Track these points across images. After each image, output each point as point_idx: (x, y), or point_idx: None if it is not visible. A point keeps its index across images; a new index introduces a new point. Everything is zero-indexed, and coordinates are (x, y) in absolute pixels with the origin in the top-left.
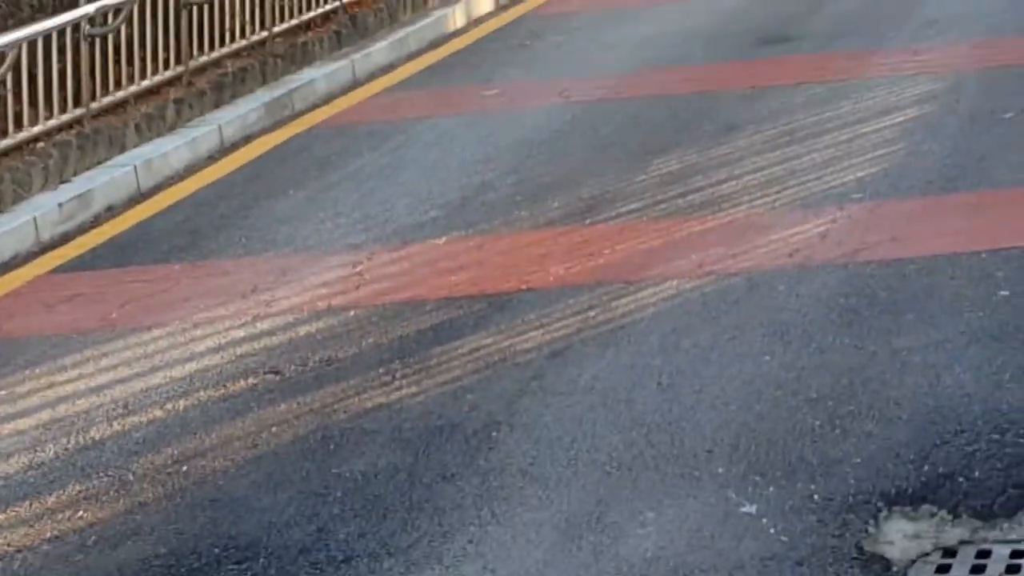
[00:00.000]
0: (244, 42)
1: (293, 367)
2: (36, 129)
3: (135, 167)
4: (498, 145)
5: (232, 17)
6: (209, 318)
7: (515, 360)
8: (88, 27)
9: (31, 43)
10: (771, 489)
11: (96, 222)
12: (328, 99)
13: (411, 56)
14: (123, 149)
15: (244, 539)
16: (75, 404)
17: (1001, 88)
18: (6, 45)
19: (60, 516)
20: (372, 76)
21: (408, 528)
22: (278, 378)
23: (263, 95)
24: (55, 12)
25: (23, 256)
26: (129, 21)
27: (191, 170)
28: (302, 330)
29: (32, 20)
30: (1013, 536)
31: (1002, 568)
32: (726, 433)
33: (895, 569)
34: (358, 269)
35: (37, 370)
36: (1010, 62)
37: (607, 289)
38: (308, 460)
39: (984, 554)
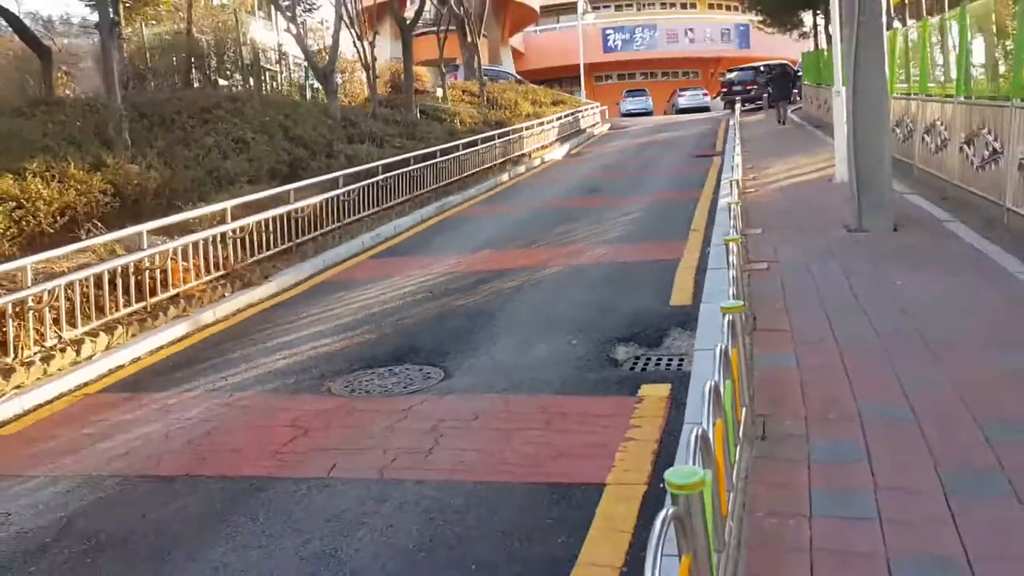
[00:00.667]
0: (427, 188)
1: (434, 291)
2: (361, 214)
3: (394, 226)
4: (508, 222)
5: (426, 178)
6: (411, 275)
7: (503, 290)
8: (383, 181)
9: (369, 185)
10: (581, 335)
11: (383, 244)
12: (458, 206)
13: (483, 193)
14: (391, 220)
15: (410, 345)
16: (359, 303)
17: (664, 208)
18: (365, 186)
19: (353, 339)
20: (471, 199)
21: (458, 342)
22: (431, 294)
23: (435, 204)
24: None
25: (360, 253)
26: (397, 178)
27: (414, 228)
28: (441, 279)
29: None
30: (661, 352)
31: (656, 360)
32: (572, 318)
33: (619, 361)
34: (460, 260)
35: (356, 291)
36: (671, 200)
37: (536, 269)
38: (434, 323)
39: (648, 358)
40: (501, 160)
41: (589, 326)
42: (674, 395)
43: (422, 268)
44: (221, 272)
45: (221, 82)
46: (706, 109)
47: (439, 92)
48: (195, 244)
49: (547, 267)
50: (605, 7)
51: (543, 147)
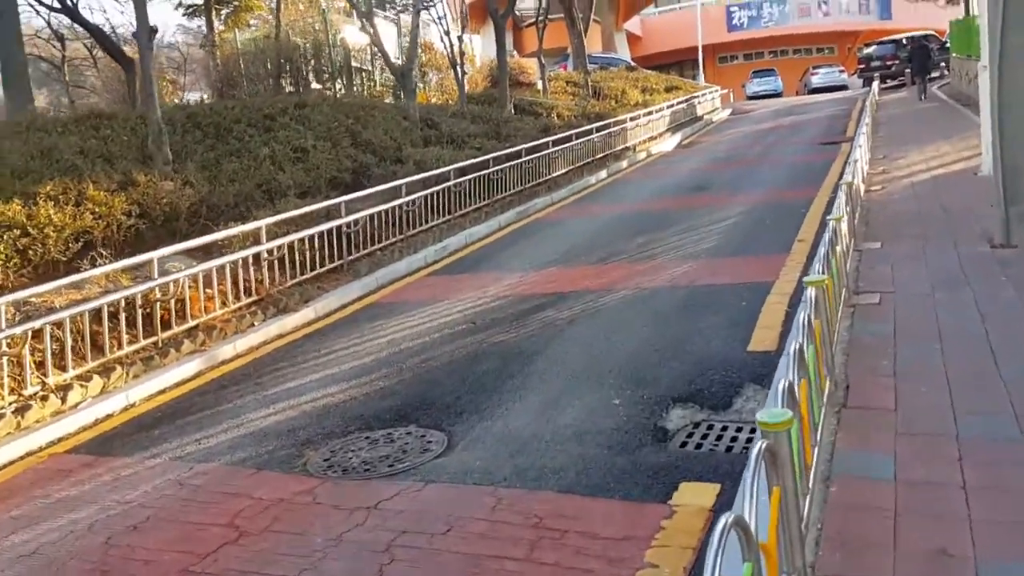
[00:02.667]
0: (511, 191)
1: (479, 321)
2: (429, 224)
3: (465, 235)
4: (589, 229)
5: (507, 180)
6: (463, 297)
7: (555, 322)
8: (455, 187)
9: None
10: (628, 392)
11: (449, 256)
12: (542, 210)
13: (574, 193)
14: (463, 229)
15: (424, 398)
16: (391, 335)
17: (770, 211)
18: (433, 193)
19: (364, 387)
20: (559, 201)
21: (480, 394)
22: (473, 325)
23: (517, 209)
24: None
25: (420, 269)
26: (472, 183)
27: (488, 237)
28: (492, 304)
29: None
30: (726, 419)
31: (719, 431)
32: (624, 365)
33: (669, 433)
34: (521, 280)
35: (396, 319)
36: (781, 200)
37: (600, 294)
38: (463, 365)
39: (711, 426)
40: (600, 155)
41: (643, 376)
42: (721, 502)
43: (477, 289)
44: (253, 298)
45: (315, 85)
46: (843, 88)
47: (540, 85)
48: (221, 268)
49: (614, 290)
50: None
51: (650, 139)
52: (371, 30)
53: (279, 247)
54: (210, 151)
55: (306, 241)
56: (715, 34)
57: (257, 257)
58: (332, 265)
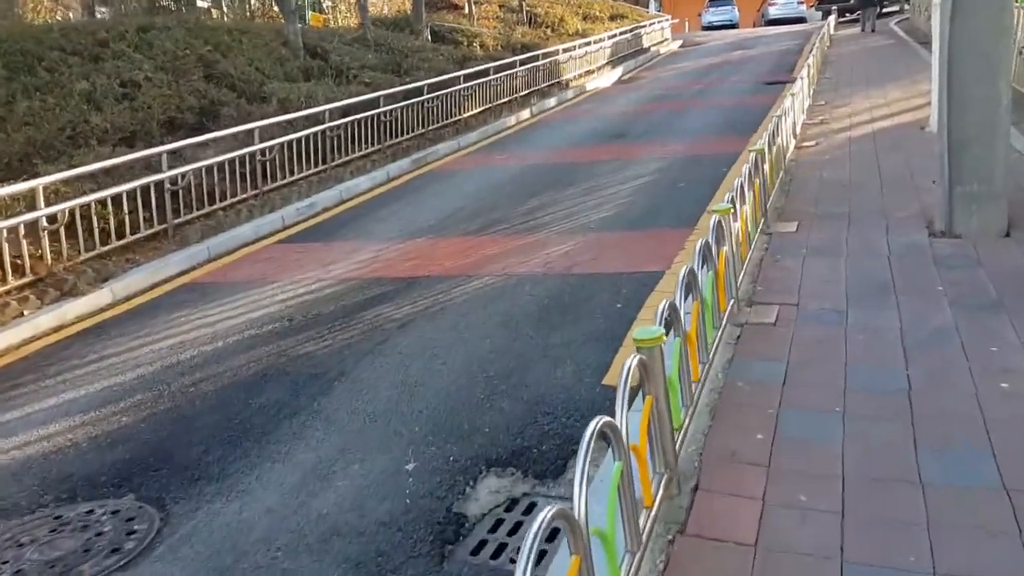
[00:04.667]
0: (411, 134)
1: (296, 318)
2: (298, 175)
3: (340, 190)
4: (483, 185)
5: (405, 122)
6: (299, 278)
7: (383, 325)
8: (329, 131)
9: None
10: (432, 449)
11: (314, 217)
12: (443, 157)
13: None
14: (340, 182)
15: (164, 451)
16: (178, 337)
17: (688, 168)
18: (299, 139)
19: (100, 423)
20: (466, 147)
21: (246, 439)
22: (288, 324)
23: (414, 156)
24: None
25: (271, 235)
26: (354, 126)
27: (369, 192)
28: (324, 292)
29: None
30: (557, 492)
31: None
32: (440, 401)
33: (467, 525)
34: (377, 255)
35: (200, 310)
36: (705, 153)
37: (457, 281)
38: (237, 394)
39: (531, 507)
40: (524, 93)
41: (458, 422)
42: None
43: (322, 267)
44: (27, 279)
45: (200, 3)
46: (802, 20)
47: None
48: None
49: (475, 275)
50: None
51: (587, 73)
52: None
53: (65, 212)
54: (4, 87)
55: (109, 202)
56: None
57: (34, 226)
58: (151, 231)
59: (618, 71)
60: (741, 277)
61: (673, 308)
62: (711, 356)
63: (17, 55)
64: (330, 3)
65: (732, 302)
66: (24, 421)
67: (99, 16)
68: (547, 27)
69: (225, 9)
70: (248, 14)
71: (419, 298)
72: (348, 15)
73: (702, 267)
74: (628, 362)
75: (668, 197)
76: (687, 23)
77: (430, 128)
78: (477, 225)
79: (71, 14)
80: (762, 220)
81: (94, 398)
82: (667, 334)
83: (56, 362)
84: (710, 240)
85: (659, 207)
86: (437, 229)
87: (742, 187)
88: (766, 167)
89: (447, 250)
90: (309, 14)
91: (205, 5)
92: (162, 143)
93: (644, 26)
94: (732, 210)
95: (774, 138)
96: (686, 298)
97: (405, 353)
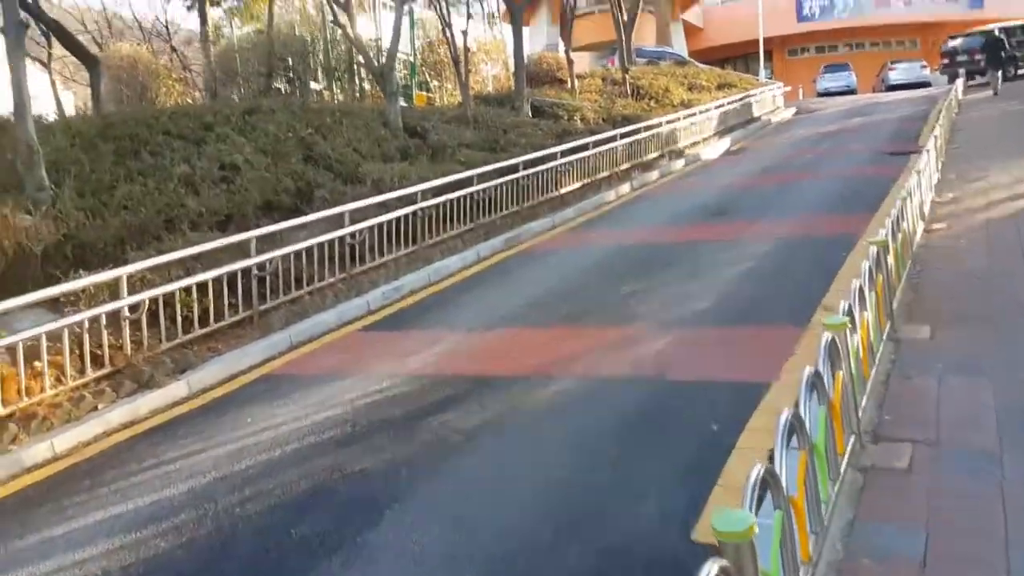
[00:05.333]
0: (504, 212)
1: (360, 425)
2: (387, 256)
3: (429, 272)
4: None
5: (499, 199)
6: (372, 372)
7: (450, 438)
8: (420, 211)
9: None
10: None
11: (400, 301)
12: (537, 236)
13: (583, 214)
14: (430, 263)
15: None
16: (241, 443)
17: (800, 251)
18: (389, 221)
19: (143, 541)
20: (562, 224)
21: (291, 569)
22: (351, 431)
23: (507, 234)
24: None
25: (355, 320)
26: (446, 206)
27: (458, 273)
28: (398, 389)
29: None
30: None
31: None
32: (495, 541)
33: None
34: (455, 346)
35: (273, 404)
36: (820, 234)
37: (533, 384)
38: (280, 520)
39: None
40: (625, 166)
41: (516, 574)
42: None
43: (398, 358)
44: (106, 369)
45: (314, 85)
46: (925, 85)
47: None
48: (56, 334)
49: (556, 377)
50: None
51: (692, 144)
52: (343, 20)
53: (149, 300)
54: (110, 171)
55: (194, 289)
56: (783, 25)
57: (117, 315)
58: (235, 318)
59: (726, 141)
60: (863, 403)
61: (772, 474)
62: (826, 522)
63: (126, 140)
64: (436, 82)
65: (853, 439)
66: (65, 540)
67: (220, 97)
68: (651, 98)
69: (336, 91)
70: (357, 95)
71: (490, 404)
72: (454, 92)
73: (810, 399)
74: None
75: (777, 285)
76: (801, 90)
77: (525, 205)
78: (563, 314)
79: (197, 94)
80: (888, 324)
81: (140, 514)
82: (758, 506)
83: (117, 465)
84: (821, 368)
85: (767, 298)
86: (521, 318)
87: (861, 291)
88: (890, 258)
89: (528, 343)
90: (415, 93)
91: (318, 87)
92: (257, 226)
93: (754, 94)
94: (849, 324)
95: (898, 224)
96: (789, 441)
97: (466, 478)
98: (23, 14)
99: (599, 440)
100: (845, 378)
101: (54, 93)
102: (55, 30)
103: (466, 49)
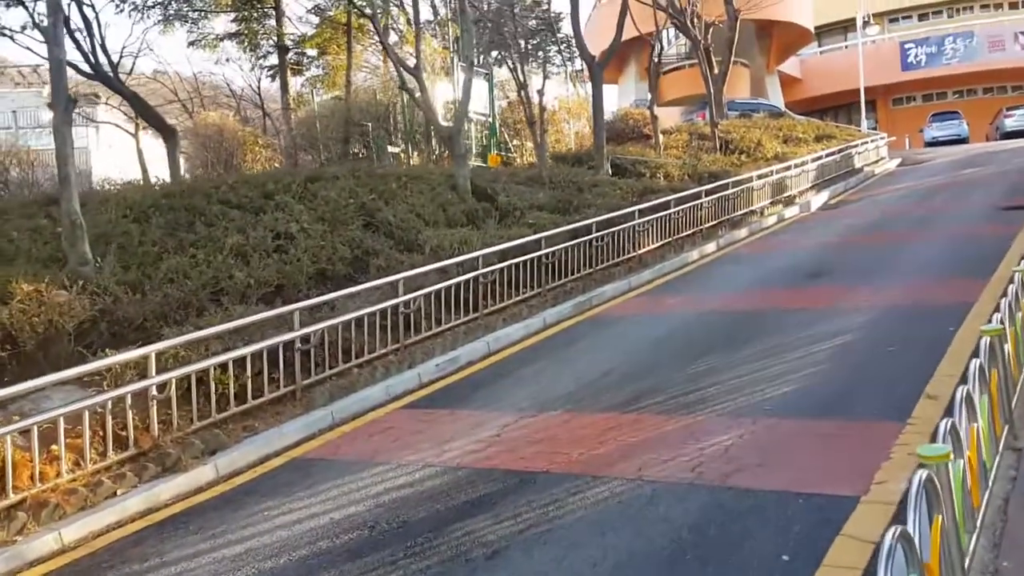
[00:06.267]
0: (576, 275)
1: (381, 524)
2: (445, 326)
3: (488, 341)
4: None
5: (570, 262)
6: (406, 460)
7: (472, 552)
8: (482, 277)
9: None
10: None
11: (455, 374)
12: (609, 300)
13: (662, 276)
14: (491, 331)
15: None
16: (274, 535)
17: (902, 324)
18: (448, 288)
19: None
20: (638, 287)
21: None
22: (370, 533)
23: (577, 299)
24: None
25: (404, 395)
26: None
27: (520, 343)
28: (430, 482)
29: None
30: None
31: None
32: None
33: None
34: (499, 431)
35: (295, 495)
36: (926, 303)
37: (584, 480)
38: None
39: None
40: (710, 224)
41: None
42: None
43: (437, 445)
44: (130, 452)
45: (392, 148)
46: None
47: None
48: (76, 416)
49: (601, 478)
50: (905, 18)
51: (786, 199)
52: (411, 85)
53: (182, 377)
54: (160, 243)
55: (231, 365)
56: (887, 74)
57: (145, 394)
58: (275, 394)
59: (824, 195)
60: (972, 545)
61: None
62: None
63: (181, 211)
64: (517, 141)
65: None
66: None
67: (300, 164)
68: (741, 152)
69: (413, 154)
70: (433, 158)
71: (525, 508)
72: (534, 152)
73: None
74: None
75: (873, 367)
76: (907, 140)
77: (598, 267)
78: (624, 397)
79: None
80: (1005, 430)
81: None
82: None
83: (117, 564)
84: (912, 520)
85: (859, 382)
86: (576, 399)
87: (969, 398)
88: (1008, 347)
89: (578, 432)
90: (490, 155)
91: (396, 150)
92: (307, 296)
93: (855, 145)
94: (949, 456)
95: (1018, 301)
96: None
97: None
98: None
99: (642, 567)
100: (946, 523)
101: (140, 161)
102: (133, 102)
103: (542, 109)
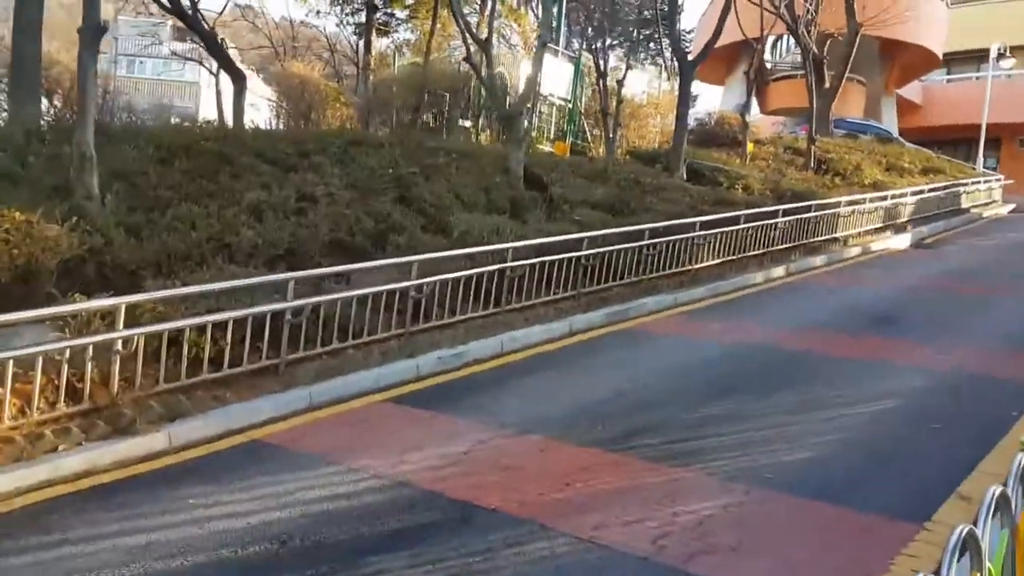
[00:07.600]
0: (619, 281)
1: (299, 539)
2: (458, 317)
3: (503, 339)
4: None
5: (615, 267)
6: (363, 465)
7: None
8: (509, 271)
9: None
10: None
11: (457, 370)
12: (647, 315)
13: (716, 295)
14: (510, 329)
15: None
16: (185, 531)
17: (961, 396)
18: (468, 277)
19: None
20: (685, 304)
21: None
22: (281, 547)
23: (612, 308)
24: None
25: (396, 386)
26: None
27: (537, 346)
28: (373, 498)
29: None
30: None
31: None
32: None
33: None
34: (469, 448)
35: (232, 486)
36: (997, 374)
37: (529, 529)
38: None
39: None
40: (783, 246)
41: None
42: None
43: (398, 453)
44: (84, 406)
45: (463, 122)
46: None
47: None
48: (26, 360)
49: (548, 532)
50: None
51: (876, 231)
52: (477, 59)
53: (152, 336)
54: (176, 188)
55: (210, 329)
56: (1017, 112)
57: (109, 346)
58: (258, 365)
59: (919, 232)
60: None
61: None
62: None
63: (211, 157)
64: (598, 131)
65: None
66: None
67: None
68: (836, 174)
69: (485, 130)
70: (502, 139)
71: (451, 553)
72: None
73: None
74: None
75: (907, 446)
76: None
77: (645, 277)
78: (617, 431)
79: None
80: None
81: None
82: None
83: (15, 532)
84: None
85: (885, 463)
86: (566, 424)
87: (1004, 498)
88: None
89: (549, 466)
90: (556, 142)
91: (467, 125)
92: (318, 265)
93: (964, 184)
94: None
95: None
96: None
97: None
98: (105, 20)
99: None
100: None
101: (217, 103)
102: (210, 42)
103: (619, 100)
